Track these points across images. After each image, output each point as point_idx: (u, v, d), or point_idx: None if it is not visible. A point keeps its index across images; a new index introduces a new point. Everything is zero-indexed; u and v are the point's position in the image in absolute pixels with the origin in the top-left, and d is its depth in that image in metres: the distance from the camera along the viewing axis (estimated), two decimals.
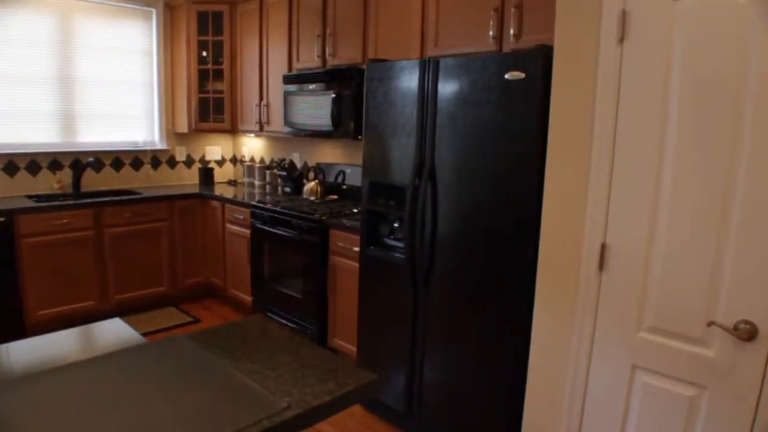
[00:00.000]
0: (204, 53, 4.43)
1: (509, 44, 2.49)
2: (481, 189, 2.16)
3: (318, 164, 4.07)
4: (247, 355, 1.38)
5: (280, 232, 3.51)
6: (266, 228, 3.64)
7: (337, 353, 3.34)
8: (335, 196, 3.87)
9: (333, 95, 3.33)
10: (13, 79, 3.81)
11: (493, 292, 2.16)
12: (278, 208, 3.55)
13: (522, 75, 1.97)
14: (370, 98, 2.57)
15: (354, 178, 3.75)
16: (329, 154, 4.15)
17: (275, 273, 3.64)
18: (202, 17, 4.36)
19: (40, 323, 3.60)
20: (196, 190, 4.43)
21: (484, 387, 2.23)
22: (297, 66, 3.79)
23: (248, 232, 3.86)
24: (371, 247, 2.71)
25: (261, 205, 3.72)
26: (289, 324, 3.55)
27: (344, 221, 3.10)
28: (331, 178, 3.96)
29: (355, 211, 3.39)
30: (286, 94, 3.76)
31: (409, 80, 2.37)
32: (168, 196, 4.11)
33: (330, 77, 3.41)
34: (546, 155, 1.89)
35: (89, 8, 4.08)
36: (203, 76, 4.47)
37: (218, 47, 4.42)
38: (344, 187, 3.87)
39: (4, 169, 3.84)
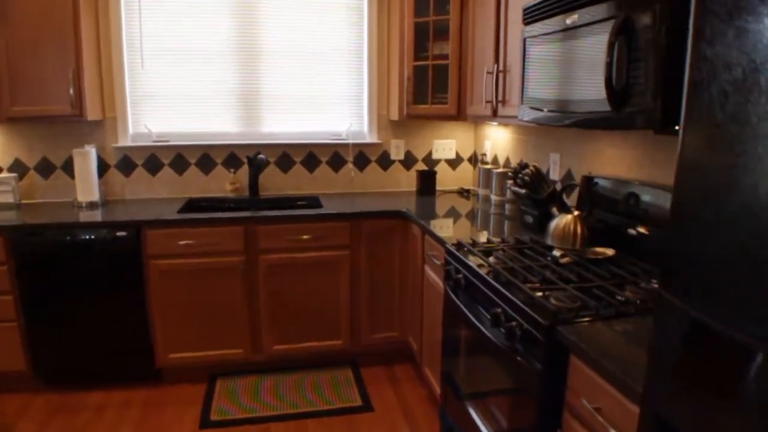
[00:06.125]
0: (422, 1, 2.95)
1: None
2: None
3: (589, 177, 2.17)
4: None
5: (476, 320, 1.79)
6: (457, 298, 1.96)
7: None
8: (611, 251, 1.89)
9: (613, 31, 1.42)
10: (185, 54, 3.01)
11: None
12: (473, 265, 1.82)
13: None
14: (703, 18, 0.65)
15: (660, 211, 1.76)
16: (611, 158, 2.18)
17: (473, 382, 1.94)
18: None
19: (173, 369, 2.74)
20: (408, 203, 3.01)
21: None
22: None
23: (442, 286, 2.25)
24: None
25: (452, 250, 2.04)
26: None
27: (606, 348, 1.21)
28: (615, 206, 2.02)
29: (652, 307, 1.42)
30: (527, 45, 1.97)
31: None
32: (350, 214, 2.79)
33: None
34: None
35: None
36: (422, 35, 2.99)
37: None
38: (633, 231, 1.87)
39: (171, 165, 3.11)
